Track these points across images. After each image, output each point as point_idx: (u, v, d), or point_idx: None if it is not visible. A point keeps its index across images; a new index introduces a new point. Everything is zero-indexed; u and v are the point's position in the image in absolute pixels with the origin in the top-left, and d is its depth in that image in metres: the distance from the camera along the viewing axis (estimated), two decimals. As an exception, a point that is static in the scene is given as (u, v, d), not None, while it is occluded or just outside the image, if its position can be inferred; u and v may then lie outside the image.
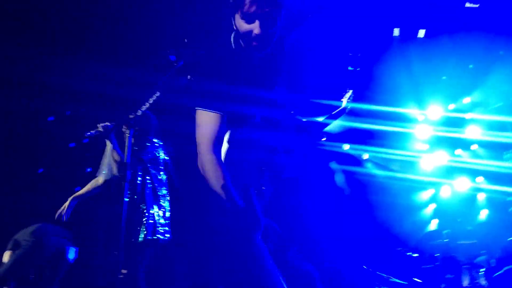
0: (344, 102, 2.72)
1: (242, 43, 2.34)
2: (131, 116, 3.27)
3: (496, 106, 7.94)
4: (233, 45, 2.39)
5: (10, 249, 4.33)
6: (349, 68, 8.94)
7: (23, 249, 4.25)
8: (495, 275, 5.25)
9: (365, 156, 8.47)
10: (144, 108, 3.17)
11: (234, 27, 2.30)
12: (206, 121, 2.30)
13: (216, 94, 2.30)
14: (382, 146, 8.11)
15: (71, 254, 4.44)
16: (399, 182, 8.27)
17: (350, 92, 2.78)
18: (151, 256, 3.77)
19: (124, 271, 3.60)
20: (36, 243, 4.30)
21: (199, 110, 2.32)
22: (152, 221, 3.74)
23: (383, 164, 8.50)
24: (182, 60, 2.98)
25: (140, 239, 3.63)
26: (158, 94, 3.07)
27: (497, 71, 7.36)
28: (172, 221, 4.02)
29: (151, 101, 3.09)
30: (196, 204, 7.66)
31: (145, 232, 3.67)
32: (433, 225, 8.40)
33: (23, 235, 4.37)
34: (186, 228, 7.06)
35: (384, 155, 8.27)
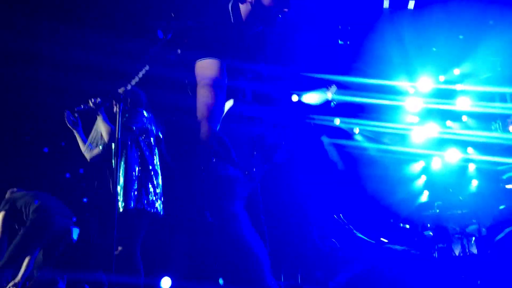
0: (329, 95, 2.72)
1: (243, 16, 2.30)
2: (120, 91, 3.22)
3: (484, 77, 7.95)
4: (231, 15, 2.33)
5: (4, 210, 4.32)
6: (340, 41, 8.82)
7: (32, 227, 4.24)
8: (497, 238, 5.33)
9: (356, 130, 8.49)
10: (133, 82, 3.11)
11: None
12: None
13: None
14: (373, 119, 8.13)
15: (75, 234, 4.46)
16: (390, 155, 8.32)
17: (334, 87, 2.78)
18: (144, 229, 3.75)
19: (120, 248, 3.60)
20: (46, 222, 4.30)
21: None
22: (142, 192, 3.72)
23: (374, 137, 8.53)
24: (171, 33, 2.92)
25: (127, 207, 3.61)
26: (147, 67, 3.01)
27: (486, 41, 7.35)
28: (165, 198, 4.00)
29: (140, 75, 3.04)
30: (185, 181, 7.65)
31: (134, 202, 3.65)
32: (425, 196, 8.49)
33: (25, 205, 4.35)
34: (177, 205, 7.07)
35: (375, 128, 8.29)
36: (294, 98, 8.52)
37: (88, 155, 4.16)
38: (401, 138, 8.52)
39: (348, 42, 7.85)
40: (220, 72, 2.22)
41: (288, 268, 6.65)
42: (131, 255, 3.65)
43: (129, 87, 3.27)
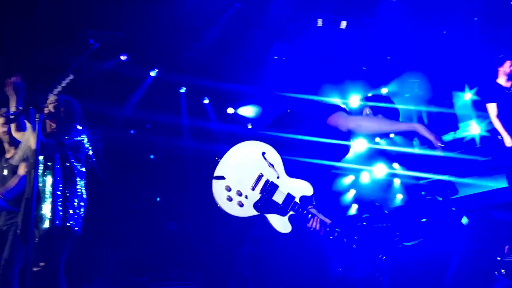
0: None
1: None
2: (49, 100, 3.07)
3: (406, 96, 8.43)
4: None
5: None
6: (275, 57, 8.96)
7: None
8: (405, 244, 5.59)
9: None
10: (56, 91, 2.98)
11: None
12: None
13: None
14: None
15: None
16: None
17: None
18: (69, 248, 3.60)
19: (42, 263, 3.43)
20: None
21: None
22: (68, 210, 3.56)
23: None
24: (98, 42, 2.85)
25: (46, 227, 3.45)
26: (72, 77, 2.90)
27: (409, 64, 7.85)
28: (99, 212, 3.87)
29: (64, 84, 2.92)
30: (123, 193, 7.46)
31: (60, 220, 3.50)
32: (353, 209, 8.79)
33: None
34: (107, 218, 6.87)
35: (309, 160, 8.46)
36: (230, 110, 8.58)
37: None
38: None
39: (284, 58, 8.06)
40: None
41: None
42: (55, 274, 3.49)
43: (51, 96, 3.13)
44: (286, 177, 2.75)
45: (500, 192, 6.55)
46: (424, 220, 6.62)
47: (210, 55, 7.26)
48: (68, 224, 3.53)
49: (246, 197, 2.71)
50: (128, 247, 6.86)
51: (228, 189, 2.71)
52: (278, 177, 2.74)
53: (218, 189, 2.72)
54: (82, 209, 3.69)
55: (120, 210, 7.21)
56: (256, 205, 2.70)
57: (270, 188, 2.72)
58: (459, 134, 8.04)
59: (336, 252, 6.71)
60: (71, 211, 3.57)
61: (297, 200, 2.72)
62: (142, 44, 6.51)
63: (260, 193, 2.72)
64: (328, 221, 2.74)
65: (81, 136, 3.74)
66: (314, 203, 2.83)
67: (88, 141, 3.83)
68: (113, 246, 6.76)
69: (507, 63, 5.40)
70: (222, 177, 2.72)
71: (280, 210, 2.70)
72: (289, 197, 2.71)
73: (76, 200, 3.64)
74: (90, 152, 3.86)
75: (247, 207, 2.70)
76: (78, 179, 3.69)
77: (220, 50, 7.27)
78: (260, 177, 2.73)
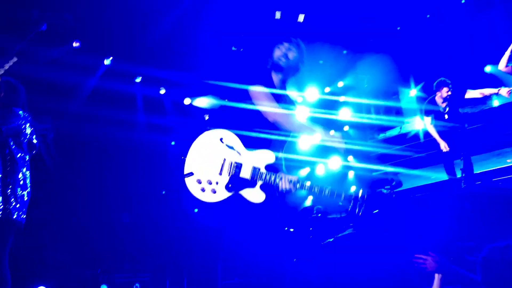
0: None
1: None
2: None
3: (363, 90, 8.64)
4: None
5: None
6: (233, 48, 8.92)
7: None
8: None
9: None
10: (-1, 73, 2.82)
11: None
12: None
13: None
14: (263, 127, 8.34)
15: None
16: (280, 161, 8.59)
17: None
18: (11, 238, 3.45)
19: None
20: None
21: None
22: (10, 199, 3.41)
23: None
24: (45, 24, 2.73)
25: None
26: (15, 59, 2.76)
27: (363, 59, 8.01)
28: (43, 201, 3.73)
29: (6, 67, 2.77)
30: (74, 184, 7.24)
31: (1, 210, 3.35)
32: (309, 201, 8.90)
33: None
34: (57, 209, 6.66)
35: (264, 136, 8.50)
36: (187, 101, 8.46)
37: None
38: (289, 145, 8.84)
39: (242, 49, 8.02)
40: None
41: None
42: (1, 267, 3.35)
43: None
44: (247, 152, 2.98)
45: (441, 184, 6.88)
46: (376, 211, 6.80)
47: (167, 42, 7.13)
48: (10, 215, 3.38)
49: (216, 183, 2.92)
50: (79, 239, 6.68)
51: (199, 181, 2.93)
52: (240, 155, 2.96)
53: (191, 185, 2.94)
54: (25, 198, 3.54)
55: (71, 201, 7.00)
56: (227, 187, 2.91)
57: (235, 168, 2.94)
58: (404, 129, 8.34)
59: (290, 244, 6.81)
60: (12, 201, 3.42)
61: (262, 170, 2.93)
62: (93, 30, 6.28)
63: (228, 176, 2.93)
64: (295, 178, 2.94)
65: (22, 121, 3.57)
66: (278, 167, 3.02)
67: (30, 127, 3.66)
68: (63, 238, 6.57)
69: (445, 89, 6.21)
70: (191, 174, 2.95)
71: (250, 183, 2.91)
72: (255, 170, 2.91)
73: (18, 189, 3.49)
74: (35, 141, 3.71)
75: (220, 191, 2.91)
76: (19, 167, 3.54)
77: (177, 38, 7.16)
78: (224, 161, 2.96)
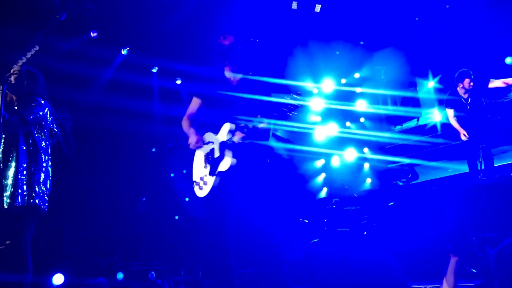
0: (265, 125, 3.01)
1: None
2: (15, 70, 2.94)
3: (379, 81, 8.54)
4: None
5: None
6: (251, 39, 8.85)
7: None
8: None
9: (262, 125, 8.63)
10: (20, 63, 2.85)
11: None
12: None
13: None
14: (278, 118, 8.32)
15: None
16: (295, 153, 8.58)
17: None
18: (33, 226, 3.51)
19: (7, 242, 3.35)
20: None
21: None
22: (34, 188, 3.46)
23: (283, 137, 8.75)
24: (65, 12, 2.74)
25: (5, 205, 3.35)
26: (37, 48, 2.78)
27: (379, 51, 7.93)
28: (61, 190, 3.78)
29: (28, 55, 2.79)
30: (92, 173, 7.33)
31: (24, 198, 3.40)
32: (324, 192, 8.90)
33: None
34: (74, 198, 6.75)
35: (281, 127, 8.50)
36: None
37: None
38: (305, 136, 8.83)
39: (258, 40, 7.98)
40: None
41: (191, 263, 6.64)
42: (20, 253, 3.40)
43: (15, 68, 2.98)
44: (215, 136, 3.23)
45: (462, 177, 6.80)
46: (391, 203, 6.76)
47: (184, 33, 7.13)
48: (33, 202, 3.43)
49: (205, 175, 3.20)
50: (96, 228, 6.78)
51: (197, 183, 3.24)
52: (213, 143, 3.22)
53: (195, 190, 3.26)
54: (48, 186, 3.60)
55: (88, 190, 7.10)
56: (211, 172, 3.14)
57: (210, 154, 3.21)
58: (422, 120, 8.23)
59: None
60: (36, 189, 3.48)
61: (229, 142, 3.14)
62: (110, 20, 6.30)
63: (209, 164, 3.19)
64: (264, 125, 3.11)
65: (45, 110, 3.61)
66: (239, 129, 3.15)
67: (51, 115, 3.70)
68: (81, 226, 6.66)
69: (467, 80, 6.07)
70: (194, 181, 3.29)
71: (221, 158, 3.14)
72: (221, 144, 3.15)
73: (42, 178, 3.54)
74: (55, 129, 3.75)
75: (209, 180, 3.15)
76: (42, 156, 3.58)
77: (193, 29, 7.15)
78: (205, 156, 3.26)
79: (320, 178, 9.09)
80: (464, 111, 6.19)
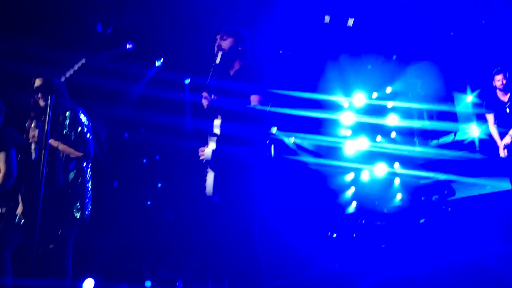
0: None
1: None
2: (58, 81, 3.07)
3: (416, 94, 8.44)
4: None
5: None
6: (280, 51, 8.89)
7: None
8: None
9: (292, 139, 8.65)
10: (68, 74, 2.98)
11: None
12: None
13: None
14: (310, 132, 8.35)
15: None
16: (325, 167, 8.54)
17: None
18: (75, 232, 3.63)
19: (51, 246, 3.46)
20: None
21: None
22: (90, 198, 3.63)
23: (312, 150, 8.73)
24: (111, 26, 2.85)
25: (84, 215, 3.51)
26: (84, 60, 2.90)
27: (413, 64, 7.85)
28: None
29: (76, 67, 2.91)
30: (121, 182, 7.49)
31: (88, 209, 3.56)
32: (353, 207, 8.79)
33: None
34: (106, 205, 6.89)
35: (311, 141, 8.51)
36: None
37: None
38: (335, 150, 8.78)
39: (289, 53, 8.03)
40: None
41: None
42: (63, 258, 3.51)
43: (63, 79, 3.12)
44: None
45: (503, 195, 6.56)
46: (422, 221, 6.63)
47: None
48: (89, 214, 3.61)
49: None
50: (125, 235, 6.88)
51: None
52: None
53: None
54: (89, 194, 3.73)
55: (120, 198, 7.23)
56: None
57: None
58: (459, 136, 8.04)
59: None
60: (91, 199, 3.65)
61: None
62: (144, 33, 6.44)
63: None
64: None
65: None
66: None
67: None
68: (110, 233, 6.78)
69: (496, 78, 5.83)
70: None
71: None
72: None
73: (88, 185, 3.69)
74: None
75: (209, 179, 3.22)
76: (87, 163, 3.74)
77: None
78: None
79: (349, 192, 8.99)
80: (503, 114, 5.88)
